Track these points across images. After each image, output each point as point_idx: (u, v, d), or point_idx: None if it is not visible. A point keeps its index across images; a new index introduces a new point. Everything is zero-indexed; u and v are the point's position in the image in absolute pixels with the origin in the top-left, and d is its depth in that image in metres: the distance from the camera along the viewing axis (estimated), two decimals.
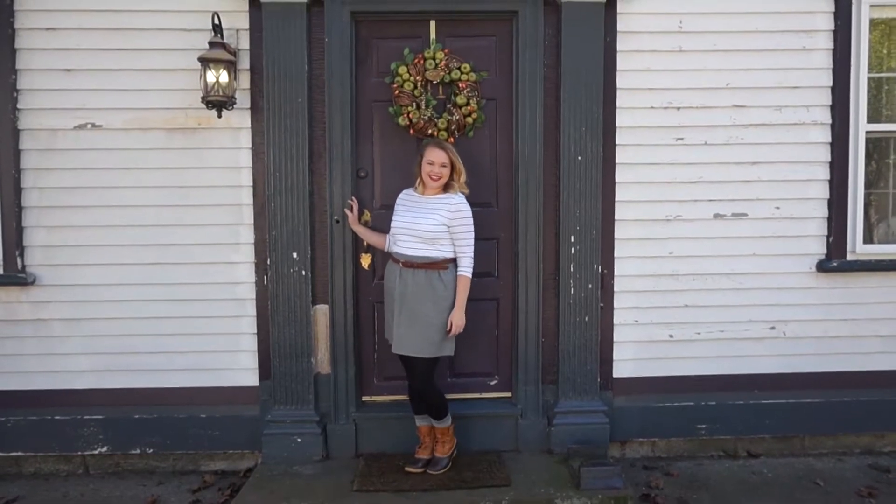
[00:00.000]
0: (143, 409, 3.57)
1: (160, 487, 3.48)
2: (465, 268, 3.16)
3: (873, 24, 3.65)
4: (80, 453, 3.61)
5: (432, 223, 3.11)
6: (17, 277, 3.47)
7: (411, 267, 3.12)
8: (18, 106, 3.46)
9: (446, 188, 3.20)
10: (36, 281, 3.51)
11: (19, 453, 3.58)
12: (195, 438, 3.58)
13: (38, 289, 3.52)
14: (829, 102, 3.61)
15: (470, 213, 3.18)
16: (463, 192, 3.21)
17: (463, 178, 3.20)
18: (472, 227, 3.17)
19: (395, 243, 3.19)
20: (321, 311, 3.55)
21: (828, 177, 3.64)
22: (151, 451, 3.59)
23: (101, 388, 3.57)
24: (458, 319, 3.14)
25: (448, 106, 3.50)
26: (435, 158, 3.13)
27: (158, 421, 3.56)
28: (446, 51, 3.50)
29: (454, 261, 3.18)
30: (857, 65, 3.58)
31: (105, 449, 3.57)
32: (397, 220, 3.20)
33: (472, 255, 3.17)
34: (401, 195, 3.30)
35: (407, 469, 3.27)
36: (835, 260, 3.65)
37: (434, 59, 3.48)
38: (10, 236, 3.47)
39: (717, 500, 3.29)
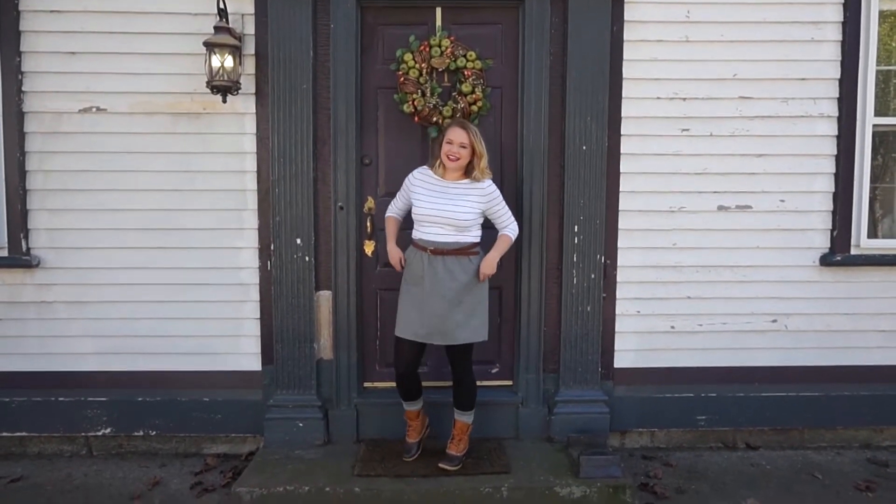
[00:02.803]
0: (146, 391, 3.59)
1: (162, 469, 3.51)
2: (512, 230, 3.18)
3: (882, 16, 3.61)
4: (83, 434, 3.64)
5: (464, 210, 3.04)
6: (22, 260, 3.49)
7: (440, 254, 3.04)
8: (23, 88, 3.46)
9: (466, 173, 3.11)
10: (40, 263, 3.53)
11: (24, 433, 3.61)
12: (198, 422, 3.60)
13: (43, 271, 3.54)
14: (837, 95, 3.58)
15: (499, 192, 3.17)
16: (488, 177, 3.12)
17: (484, 162, 3.09)
18: (504, 201, 3.18)
19: (419, 229, 3.10)
20: (324, 298, 3.57)
21: (833, 170, 3.62)
22: (154, 433, 3.62)
23: (105, 371, 3.59)
24: (489, 268, 3.11)
25: (453, 94, 3.49)
26: (454, 138, 3.03)
27: (161, 404, 3.59)
28: (452, 38, 3.49)
29: (478, 245, 3.15)
30: (866, 57, 3.56)
31: (108, 430, 3.60)
32: (422, 206, 3.06)
33: (515, 221, 3.20)
34: (416, 175, 3.15)
35: (404, 459, 3.27)
36: (838, 254, 3.64)
37: (440, 46, 3.47)
38: (15, 219, 3.49)
39: (715, 490, 3.30)
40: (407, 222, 3.25)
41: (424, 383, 3.31)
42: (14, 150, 3.46)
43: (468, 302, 3.08)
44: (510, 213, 3.20)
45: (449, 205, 3.05)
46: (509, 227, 3.19)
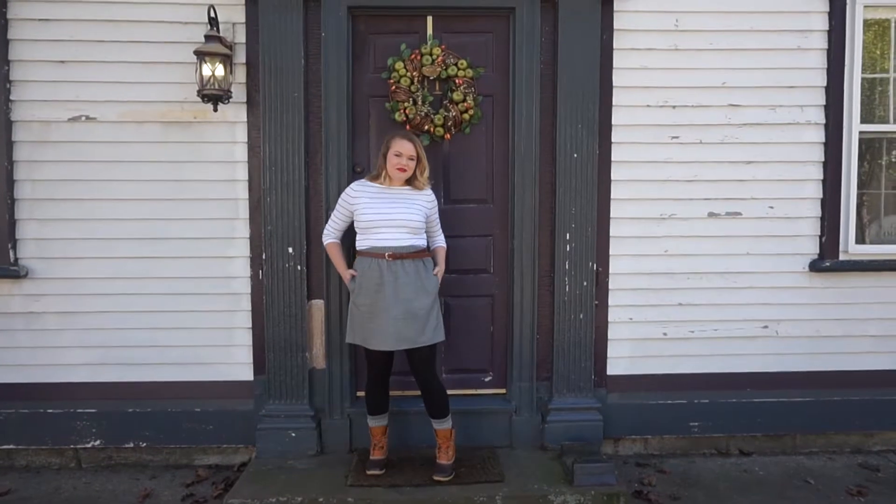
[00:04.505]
0: (136, 402, 3.56)
1: (153, 481, 3.47)
2: (444, 241, 3.35)
3: (867, 24, 3.67)
4: (72, 447, 3.59)
5: (417, 214, 3.11)
6: (10, 270, 3.45)
7: (400, 258, 3.06)
8: (11, 97, 3.43)
9: (408, 181, 3.16)
10: (28, 274, 3.49)
11: (11, 446, 3.56)
12: (189, 432, 3.57)
13: (31, 282, 3.50)
14: (824, 102, 3.63)
15: None
16: (428, 186, 3.21)
17: (427, 172, 3.17)
18: None
19: (370, 237, 3.08)
20: (316, 306, 3.55)
21: (821, 177, 3.66)
22: (145, 444, 3.58)
23: (95, 382, 3.56)
24: (439, 281, 3.23)
25: (444, 102, 3.50)
26: (403, 150, 3.08)
27: (152, 415, 3.55)
28: (443, 47, 3.50)
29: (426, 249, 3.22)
30: (851, 65, 3.61)
31: (98, 442, 3.56)
32: (372, 212, 3.07)
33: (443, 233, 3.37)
34: (356, 187, 3.16)
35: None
36: (827, 260, 3.67)
37: (431, 54, 3.48)
38: (3, 229, 3.45)
39: (709, 497, 3.31)
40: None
41: (415, 392, 3.29)
42: (2, 160, 3.43)
43: (430, 304, 3.10)
44: (440, 225, 3.34)
45: (401, 208, 3.10)
46: (441, 238, 3.34)
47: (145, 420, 3.55)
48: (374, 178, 3.17)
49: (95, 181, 3.48)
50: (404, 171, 3.10)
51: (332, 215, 3.24)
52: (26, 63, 3.44)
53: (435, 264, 3.22)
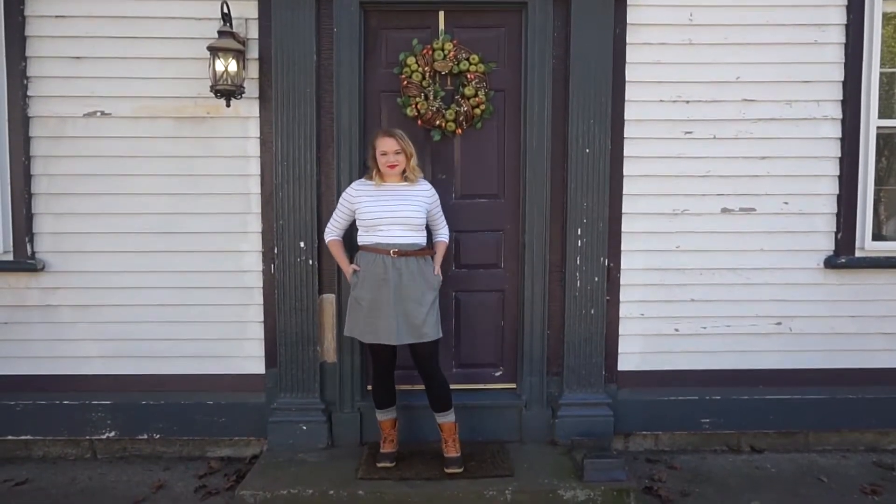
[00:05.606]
0: (150, 395, 3.60)
1: (167, 473, 3.51)
2: (446, 235, 3.35)
3: (886, 18, 3.61)
4: (87, 438, 3.65)
5: (417, 210, 3.13)
6: (27, 264, 3.51)
7: (404, 255, 3.09)
8: (28, 93, 3.48)
9: (402, 175, 3.18)
10: (45, 267, 3.54)
11: (28, 437, 3.62)
12: (201, 425, 3.61)
13: (47, 275, 3.55)
14: (841, 97, 3.58)
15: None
16: (420, 176, 3.23)
17: (414, 160, 3.18)
18: None
19: (373, 234, 3.12)
20: (328, 300, 3.57)
21: (837, 172, 3.61)
22: (158, 436, 3.62)
23: (109, 374, 3.60)
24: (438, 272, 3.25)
25: (456, 97, 3.50)
26: (387, 148, 3.11)
27: (165, 407, 3.60)
28: (455, 42, 3.50)
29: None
30: (870, 59, 3.55)
31: (112, 434, 3.61)
32: (374, 210, 3.11)
33: (447, 226, 3.37)
34: (356, 186, 3.21)
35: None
36: (843, 256, 3.63)
37: (442, 49, 3.47)
38: (20, 223, 3.50)
39: (720, 493, 3.29)
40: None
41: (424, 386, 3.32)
42: (19, 155, 3.48)
43: (432, 301, 3.14)
44: (444, 217, 3.34)
45: (401, 204, 3.13)
46: (443, 232, 3.34)
47: (159, 412, 3.59)
48: (371, 178, 3.21)
49: (110, 176, 3.52)
50: (395, 167, 3.13)
51: (334, 214, 3.27)
52: (43, 59, 3.48)
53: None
